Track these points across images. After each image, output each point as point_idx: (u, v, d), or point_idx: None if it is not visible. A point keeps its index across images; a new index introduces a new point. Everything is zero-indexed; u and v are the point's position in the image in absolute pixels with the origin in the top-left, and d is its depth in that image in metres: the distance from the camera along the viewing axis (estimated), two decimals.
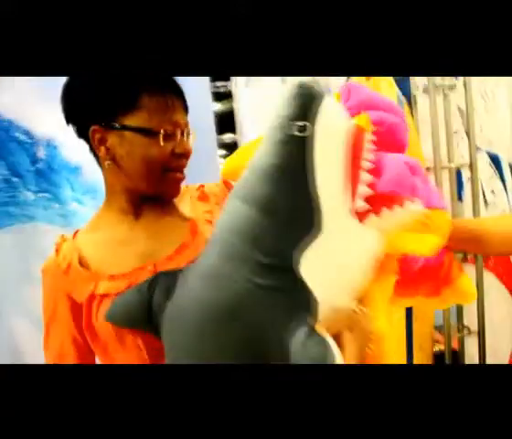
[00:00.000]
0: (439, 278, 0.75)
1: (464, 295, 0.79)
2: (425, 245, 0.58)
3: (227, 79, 1.81)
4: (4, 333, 1.41)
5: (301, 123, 0.56)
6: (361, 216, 0.58)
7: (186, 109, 0.76)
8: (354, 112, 0.65)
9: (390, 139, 0.65)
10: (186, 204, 0.81)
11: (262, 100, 1.73)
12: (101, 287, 0.72)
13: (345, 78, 1.27)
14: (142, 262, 0.73)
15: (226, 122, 1.84)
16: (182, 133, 0.73)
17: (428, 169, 1.48)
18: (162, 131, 0.69)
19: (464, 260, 1.45)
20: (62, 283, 0.74)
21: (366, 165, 0.58)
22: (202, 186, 0.85)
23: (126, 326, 0.69)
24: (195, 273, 0.62)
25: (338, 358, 0.52)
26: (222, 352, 0.58)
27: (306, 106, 0.57)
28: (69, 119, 0.75)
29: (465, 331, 1.60)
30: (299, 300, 0.55)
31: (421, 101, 1.54)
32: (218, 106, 1.86)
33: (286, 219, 0.56)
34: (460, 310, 1.61)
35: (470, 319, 1.60)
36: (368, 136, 0.60)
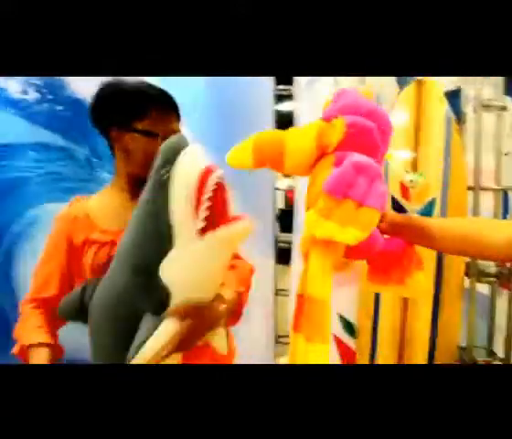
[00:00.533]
0: (403, 267, 0.86)
1: (417, 291, 0.89)
2: (346, 235, 0.71)
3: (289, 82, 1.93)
4: None
5: (162, 171, 0.80)
6: (201, 233, 0.79)
7: (179, 119, 1.02)
8: (335, 115, 0.80)
9: (362, 141, 0.77)
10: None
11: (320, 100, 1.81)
12: (93, 235, 0.98)
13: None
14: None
15: (286, 122, 1.97)
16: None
17: (470, 189, 1.50)
18: (160, 134, 0.95)
19: (501, 285, 1.46)
20: (66, 228, 1.01)
21: (206, 196, 0.78)
22: None
23: (69, 319, 0.96)
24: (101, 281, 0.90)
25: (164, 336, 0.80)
26: (113, 337, 0.85)
27: (168, 158, 0.81)
28: (94, 122, 1.01)
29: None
30: (158, 294, 0.81)
31: (472, 118, 1.57)
32: (280, 107, 2.00)
33: (151, 237, 0.81)
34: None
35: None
36: (215, 175, 0.79)
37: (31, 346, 0.96)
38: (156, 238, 0.80)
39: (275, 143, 0.79)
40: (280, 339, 2.14)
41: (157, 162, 0.82)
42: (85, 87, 1.70)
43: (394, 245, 0.87)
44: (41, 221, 1.60)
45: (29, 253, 1.58)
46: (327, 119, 0.80)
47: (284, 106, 2.14)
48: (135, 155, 0.97)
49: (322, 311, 0.74)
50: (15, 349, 1.00)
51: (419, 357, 1.57)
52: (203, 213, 0.78)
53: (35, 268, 1.05)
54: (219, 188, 0.80)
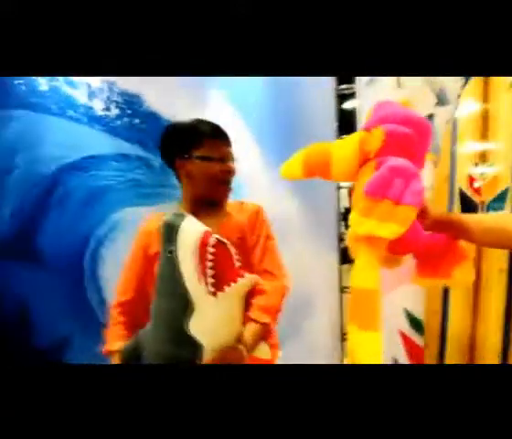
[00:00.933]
0: (448, 261, 0.94)
1: (463, 282, 0.97)
2: (385, 230, 0.78)
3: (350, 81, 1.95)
4: None
5: (167, 250, 0.96)
6: (214, 294, 0.94)
7: (229, 144, 1.19)
8: (374, 125, 0.88)
9: (399, 146, 0.85)
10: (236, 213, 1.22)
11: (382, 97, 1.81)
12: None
13: None
14: None
15: (348, 121, 2.00)
16: (228, 159, 1.17)
17: None
18: (215, 157, 1.14)
19: None
20: (143, 241, 1.19)
21: (208, 259, 0.94)
22: (242, 203, 1.24)
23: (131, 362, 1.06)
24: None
25: None
26: None
27: (169, 236, 0.96)
28: (162, 158, 1.22)
29: None
30: (193, 349, 0.95)
31: None
32: (342, 106, 2.02)
33: (176, 304, 0.95)
34: None
35: None
36: (211, 240, 0.95)
37: (113, 352, 1.11)
38: (180, 300, 0.95)
39: (322, 154, 0.90)
40: (345, 336, 2.15)
41: (161, 242, 0.99)
42: (158, 101, 1.87)
43: (437, 240, 0.94)
44: (122, 224, 1.78)
45: (113, 254, 1.76)
46: (367, 129, 0.89)
47: (347, 105, 2.15)
48: (197, 177, 1.15)
49: (370, 300, 0.80)
50: (103, 349, 1.15)
51: (490, 356, 1.51)
52: (210, 277, 0.94)
53: (119, 275, 1.21)
54: (218, 249, 0.95)
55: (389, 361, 1.69)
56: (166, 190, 1.87)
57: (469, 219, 0.91)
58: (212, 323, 0.96)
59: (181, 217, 0.99)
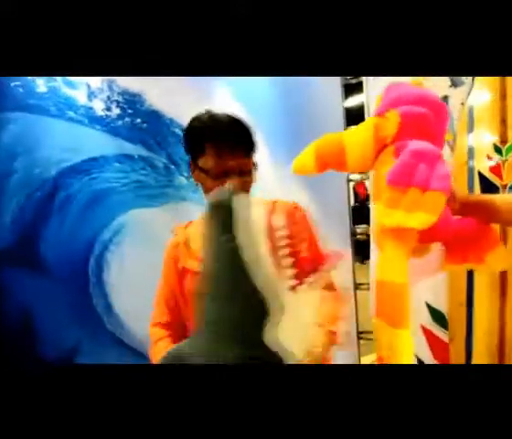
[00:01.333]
0: (481, 246, 0.89)
1: (498, 266, 0.91)
2: (415, 221, 0.72)
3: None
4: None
5: (223, 239, 0.67)
6: (293, 289, 0.72)
7: (247, 151, 0.94)
8: (386, 109, 0.82)
9: (417, 127, 0.79)
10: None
11: None
12: (189, 263, 1.00)
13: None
14: None
15: (356, 115, 1.94)
16: (238, 173, 0.92)
17: None
18: (218, 172, 0.91)
19: None
20: (172, 254, 1.05)
21: (282, 245, 0.70)
22: (275, 202, 0.99)
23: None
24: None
25: None
26: None
27: (223, 221, 0.68)
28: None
29: None
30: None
31: None
32: (349, 100, 1.97)
33: (244, 307, 0.69)
34: None
35: None
36: (280, 213, 0.73)
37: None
38: (249, 302, 0.69)
39: (335, 144, 0.84)
40: (361, 335, 2.07)
41: (209, 229, 0.71)
42: (159, 100, 1.82)
43: (467, 224, 0.89)
44: (127, 227, 1.72)
45: (118, 259, 1.71)
46: (381, 114, 0.83)
47: (354, 100, 2.10)
48: (204, 190, 0.96)
49: (399, 294, 0.75)
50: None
51: None
52: (287, 267, 0.69)
53: (157, 289, 1.10)
54: (294, 221, 0.75)
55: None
56: (171, 191, 1.82)
57: (495, 198, 0.88)
58: (294, 326, 0.71)
59: (232, 193, 0.71)
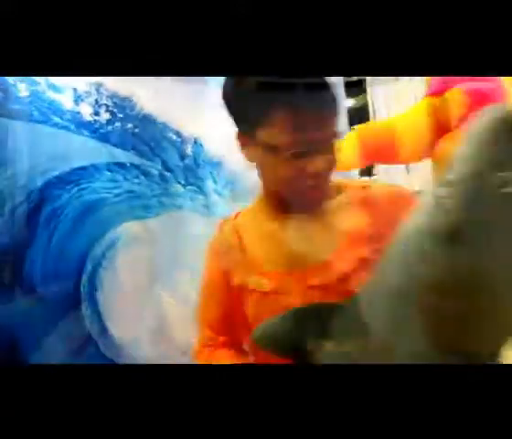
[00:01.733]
0: None
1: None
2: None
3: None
4: (154, 310, 1.61)
5: (497, 177, 0.41)
6: None
7: (330, 121, 0.67)
8: (445, 86, 0.75)
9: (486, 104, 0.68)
10: (343, 210, 0.74)
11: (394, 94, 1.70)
12: (251, 281, 0.74)
13: None
14: (289, 263, 0.73)
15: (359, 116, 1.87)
16: (317, 151, 0.66)
17: None
18: (289, 151, 0.65)
19: None
20: (222, 262, 0.79)
21: None
22: (365, 187, 0.77)
23: (273, 351, 0.65)
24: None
25: None
26: None
27: (498, 152, 0.41)
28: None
29: None
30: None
31: None
32: (351, 101, 1.90)
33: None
34: None
35: None
36: None
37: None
38: None
39: (384, 133, 0.72)
40: None
41: (473, 162, 0.43)
42: (151, 103, 1.70)
43: None
44: (121, 241, 1.59)
45: (112, 275, 1.57)
46: (437, 93, 0.73)
47: (356, 100, 2.04)
48: (263, 170, 0.73)
49: None
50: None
51: None
52: None
53: (198, 311, 0.87)
54: None
55: None
56: (167, 199, 1.70)
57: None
58: None
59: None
